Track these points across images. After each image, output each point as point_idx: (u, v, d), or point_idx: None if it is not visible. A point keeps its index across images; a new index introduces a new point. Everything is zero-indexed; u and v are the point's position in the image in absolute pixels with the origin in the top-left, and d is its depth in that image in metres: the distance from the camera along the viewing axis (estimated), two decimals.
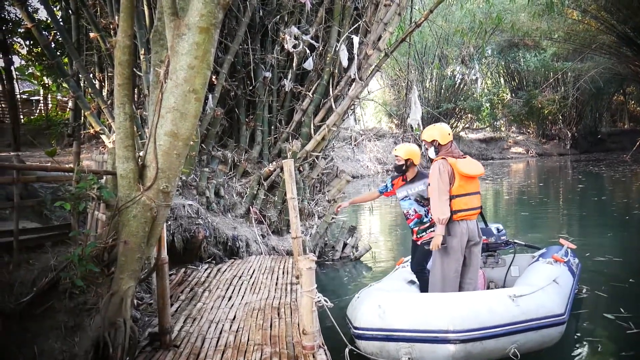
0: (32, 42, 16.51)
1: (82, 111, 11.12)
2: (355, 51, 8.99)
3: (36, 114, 20.68)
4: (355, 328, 4.49)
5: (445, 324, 4.14)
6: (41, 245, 4.22)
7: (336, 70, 9.35)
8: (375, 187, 5.92)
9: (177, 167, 3.86)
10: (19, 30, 16.21)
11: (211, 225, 7.56)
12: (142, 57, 8.00)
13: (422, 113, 10.91)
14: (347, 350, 4.37)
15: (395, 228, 12.21)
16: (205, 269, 6.99)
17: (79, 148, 4.57)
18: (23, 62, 20.36)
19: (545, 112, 40.13)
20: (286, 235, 8.82)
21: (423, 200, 5.41)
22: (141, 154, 4.00)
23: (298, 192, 8.02)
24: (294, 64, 9.62)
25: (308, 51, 9.42)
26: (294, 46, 9.21)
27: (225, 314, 5.05)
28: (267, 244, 8.39)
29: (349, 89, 9.23)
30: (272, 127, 9.90)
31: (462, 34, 24.59)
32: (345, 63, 9.13)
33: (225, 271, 6.92)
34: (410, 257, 5.77)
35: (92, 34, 9.64)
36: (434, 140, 5.09)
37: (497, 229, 5.95)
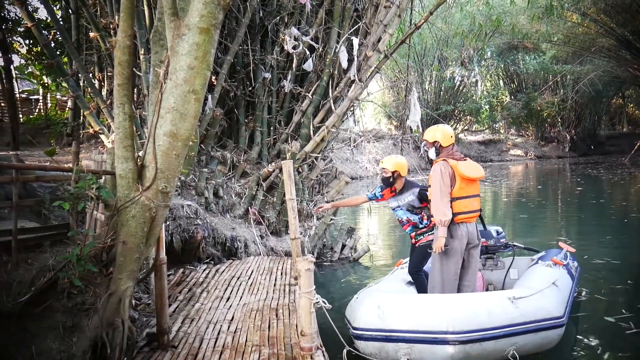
0: (31, 41, 16.50)
1: (82, 111, 11.11)
2: (355, 52, 8.99)
3: (35, 113, 20.67)
4: (355, 328, 4.48)
5: (445, 325, 4.15)
6: (40, 244, 4.21)
7: (336, 72, 9.36)
8: (373, 188, 5.90)
9: (176, 168, 3.85)
10: (19, 29, 16.21)
11: (210, 226, 7.56)
12: (142, 57, 8.00)
13: (422, 115, 10.92)
14: (344, 351, 4.37)
15: (393, 229, 12.21)
16: (204, 270, 6.98)
17: (78, 148, 4.56)
18: (23, 61, 20.37)
19: (544, 114, 40.18)
20: (285, 236, 8.82)
21: (415, 209, 5.42)
22: (140, 154, 4.00)
23: (297, 193, 8.03)
24: (294, 65, 9.63)
25: (308, 52, 9.42)
26: (294, 47, 9.21)
27: (223, 315, 5.05)
28: (266, 245, 8.39)
29: (348, 91, 9.24)
30: (272, 128, 9.90)
31: (462, 36, 24.59)
32: (344, 64, 9.13)
33: (223, 272, 6.92)
34: (409, 258, 5.78)
35: (92, 34, 9.65)
36: (435, 142, 5.08)
37: (497, 232, 5.96)
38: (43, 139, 14.42)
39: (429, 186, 5.02)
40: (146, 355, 4.00)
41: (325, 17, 9.55)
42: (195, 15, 3.60)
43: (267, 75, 9.68)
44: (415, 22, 9.52)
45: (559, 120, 42.03)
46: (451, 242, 4.86)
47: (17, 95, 18.49)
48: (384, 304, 4.47)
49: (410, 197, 5.41)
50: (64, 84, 12.24)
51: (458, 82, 36.70)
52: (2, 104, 18.95)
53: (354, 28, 9.35)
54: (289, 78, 9.66)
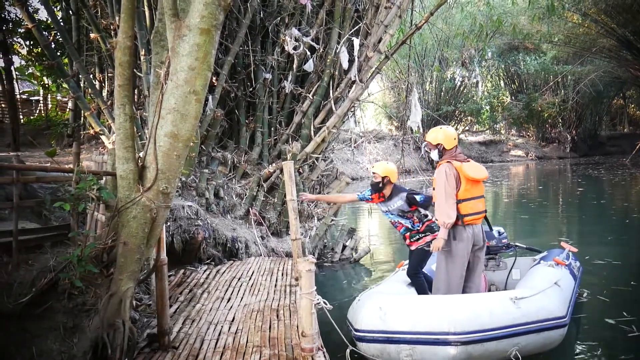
0: (32, 42, 16.50)
1: (82, 112, 11.11)
2: (355, 53, 8.99)
3: (36, 114, 20.66)
4: (356, 330, 4.47)
5: (446, 326, 4.14)
6: (40, 245, 4.21)
7: (336, 72, 9.36)
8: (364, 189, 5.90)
9: (177, 168, 3.85)
10: (19, 30, 16.21)
11: (210, 227, 7.55)
12: (142, 58, 8.00)
13: (422, 115, 10.91)
14: (348, 350, 4.37)
15: (394, 230, 12.14)
16: (205, 270, 6.98)
17: (79, 149, 4.55)
18: (23, 62, 20.36)
19: (545, 115, 40.18)
20: (285, 237, 8.82)
21: (406, 213, 5.42)
22: (141, 155, 4.00)
23: (298, 194, 8.02)
24: (295, 66, 9.62)
25: (308, 53, 9.42)
26: (295, 48, 9.21)
27: (224, 316, 5.05)
28: (267, 246, 8.39)
29: (349, 91, 9.24)
30: (272, 129, 9.90)
31: (463, 37, 24.58)
32: (345, 65, 9.13)
33: (224, 272, 6.91)
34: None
35: (92, 35, 9.64)
36: (439, 144, 5.03)
37: (499, 232, 5.94)
38: (44, 140, 14.41)
39: (433, 188, 5.00)
40: (147, 356, 4.00)
41: (326, 17, 9.56)
42: (195, 16, 3.60)
43: (268, 76, 9.68)
44: (416, 23, 9.52)
45: (560, 120, 42.01)
46: (458, 244, 4.83)
47: (18, 97, 18.51)
48: (385, 306, 4.46)
49: (399, 202, 5.40)
50: (65, 85, 12.23)
51: (459, 83, 36.71)
52: (3, 105, 18.97)
53: (355, 29, 9.35)
54: (289, 79, 9.66)
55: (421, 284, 5.31)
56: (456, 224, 4.82)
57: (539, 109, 39.00)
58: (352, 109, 10.08)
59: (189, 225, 7.14)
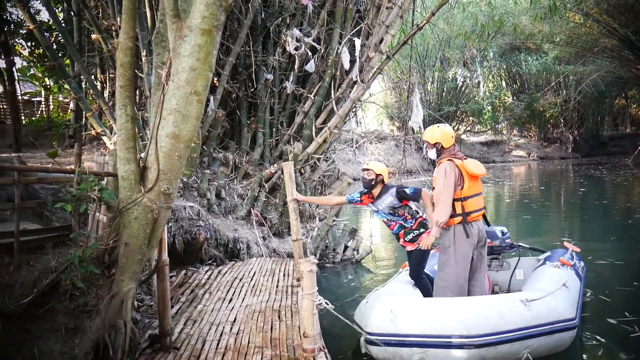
0: (33, 43, 16.53)
1: (84, 112, 11.13)
2: (357, 53, 8.98)
3: (37, 115, 20.70)
4: (368, 334, 4.41)
5: (459, 329, 4.12)
6: (42, 246, 4.21)
7: (338, 73, 9.36)
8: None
9: (178, 169, 3.85)
10: (21, 31, 16.24)
11: (212, 227, 7.56)
12: (143, 58, 8.01)
13: (424, 116, 10.89)
14: (362, 339, 4.40)
15: None
16: (206, 271, 6.98)
17: (80, 149, 4.57)
18: (25, 64, 20.39)
19: (547, 115, 40.12)
20: (287, 238, 8.81)
21: (397, 210, 5.35)
22: (142, 155, 4.00)
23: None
24: (296, 66, 9.63)
25: (310, 53, 9.42)
26: (296, 48, 9.21)
27: (225, 316, 5.04)
28: (268, 246, 8.38)
29: (350, 92, 9.24)
30: (274, 129, 9.90)
31: (465, 37, 24.54)
32: (347, 65, 9.12)
33: (225, 273, 6.91)
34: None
35: (93, 36, 9.65)
36: (437, 143, 5.01)
37: (502, 232, 5.90)
38: (45, 140, 14.43)
39: (433, 187, 4.97)
40: (148, 356, 3.99)
41: (327, 18, 9.56)
42: (197, 16, 3.60)
43: (269, 76, 9.68)
44: (418, 23, 9.50)
45: (562, 121, 41.95)
46: (464, 242, 4.80)
47: (20, 98, 18.54)
48: (396, 309, 4.43)
49: (389, 198, 5.31)
50: (66, 86, 12.24)
51: (460, 83, 36.68)
52: (5, 106, 19.00)
53: (356, 29, 9.35)
54: (291, 79, 9.66)
55: (425, 284, 5.28)
56: (461, 222, 4.79)
57: (541, 109, 38.94)
58: (354, 110, 10.07)
59: (191, 225, 7.14)
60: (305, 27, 9.60)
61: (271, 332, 4.55)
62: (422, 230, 5.29)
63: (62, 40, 10.68)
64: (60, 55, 12.98)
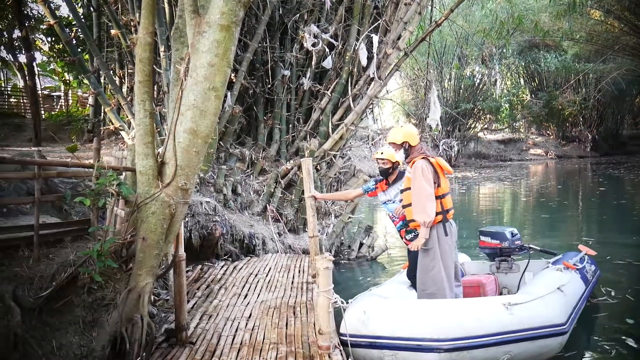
0: (54, 38, 16.72)
1: (102, 107, 11.23)
2: (374, 50, 8.95)
3: (57, 110, 20.94)
4: (340, 334, 4.26)
5: (430, 332, 3.99)
6: (61, 240, 4.25)
7: (355, 69, 9.33)
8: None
9: (196, 165, 3.86)
10: (42, 27, 16.45)
11: (228, 223, 7.58)
12: (162, 54, 8.05)
13: (441, 113, 10.84)
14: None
15: None
16: (222, 267, 7.01)
17: (99, 144, 4.60)
18: (45, 59, 20.66)
19: (566, 113, 39.65)
20: (302, 234, 8.82)
21: None
22: (160, 150, 4.02)
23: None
24: (313, 63, 9.62)
25: (327, 50, 9.40)
26: (313, 44, 9.20)
27: (241, 312, 5.06)
28: (284, 242, 8.40)
29: (367, 88, 9.20)
30: (290, 126, 9.90)
31: (484, 34, 24.33)
32: (364, 62, 9.09)
33: (241, 269, 6.94)
34: None
35: (113, 31, 9.72)
36: (404, 142, 4.88)
37: (511, 233, 5.76)
38: (64, 135, 14.60)
39: (407, 188, 4.77)
40: (164, 351, 4.02)
41: (345, 14, 9.53)
42: (215, 12, 3.60)
43: (286, 72, 9.68)
44: (436, 20, 9.45)
45: (581, 119, 41.47)
46: (448, 240, 4.68)
47: (40, 92, 18.75)
48: (370, 310, 4.32)
49: (402, 184, 5.22)
50: (85, 81, 12.35)
51: (478, 80, 36.37)
52: (25, 101, 19.25)
53: (374, 25, 9.31)
54: (308, 75, 9.65)
55: None
56: (442, 221, 4.66)
57: (560, 107, 38.48)
58: (371, 106, 10.05)
59: (207, 221, 7.17)
60: (322, 24, 9.58)
61: (286, 328, 4.56)
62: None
63: (81, 35, 10.78)
64: (79, 50, 13.12)
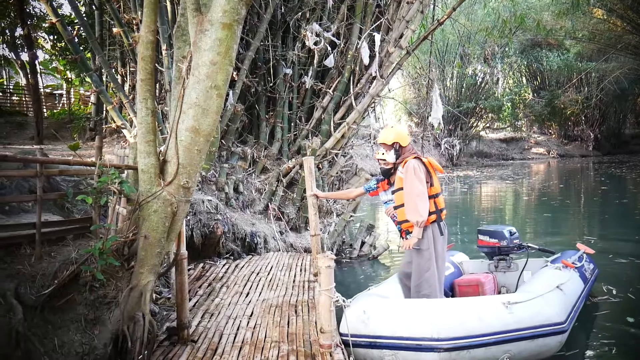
0: (56, 36, 16.75)
1: (104, 106, 11.22)
2: (376, 49, 8.94)
3: (59, 108, 20.95)
4: (341, 334, 4.26)
5: (430, 332, 3.99)
6: (63, 238, 4.25)
7: (357, 68, 9.32)
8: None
9: (197, 163, 3.87)
10: (44, 25, 16.44)
11: (230, 221, 7.59)
12: (164, 52, 8.05)
13: (443, 112, 10.82)
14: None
15: None
16: (224, 265, 7.01)
17: (101, 142, 4.59)
18: (47, 57, 20.66)
19: (568, 112, 39.61)
20: (304, 233, 8.82)
21: None
22: (162, 149, 4.02)
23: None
24: (315, 61, 9.61)
25: (329, 48, 9.39)
26: (315, 43, 9.19)
27: (242, 310, 5.06)
28: (285, 241, 8.40)
29: (369, 87, 9.20)
30: (292, 124, 9.90)
31: (486, 33, 24.28)
32: (366, 60, 9.08)
33: (243, 267, 6.94)
34: None
35: (115, 29, 9.72)
36: (395, 143, 4.83)
37: (510, 232, 5.76)
38: (66, 133, 14.60)
39: (399, 189, 4.73)
40: (166, 349, 4.03)
41: (347, 13, 9.52)
42: (218, 10, 3.60)
43: (288, 71, 9.67)
44: (438, 18, 9.42)
45: (583, 118, 41.42)
46: (441, 240, 4.67)
47: (42, 90, 18.76)
48: (369, 309, 4.33)
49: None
50: (88, 79, 12.38)
51: (480, 79, 36.34)
52: (27, 99, 19.27)
53: (376, 24, 9.30)
54: (310, 74, 9.64)
55: None
56: (436, 220, 4.64)
57: (562, 106, 38.44)
58: (373, 105, 10.03)
59: (209, 219, 7.18)
60: (324, 22, 9.57)
61: (288, 326, 4.56)
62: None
63: (83, 33, 10.75)
64: (81, 48, 13.10)
